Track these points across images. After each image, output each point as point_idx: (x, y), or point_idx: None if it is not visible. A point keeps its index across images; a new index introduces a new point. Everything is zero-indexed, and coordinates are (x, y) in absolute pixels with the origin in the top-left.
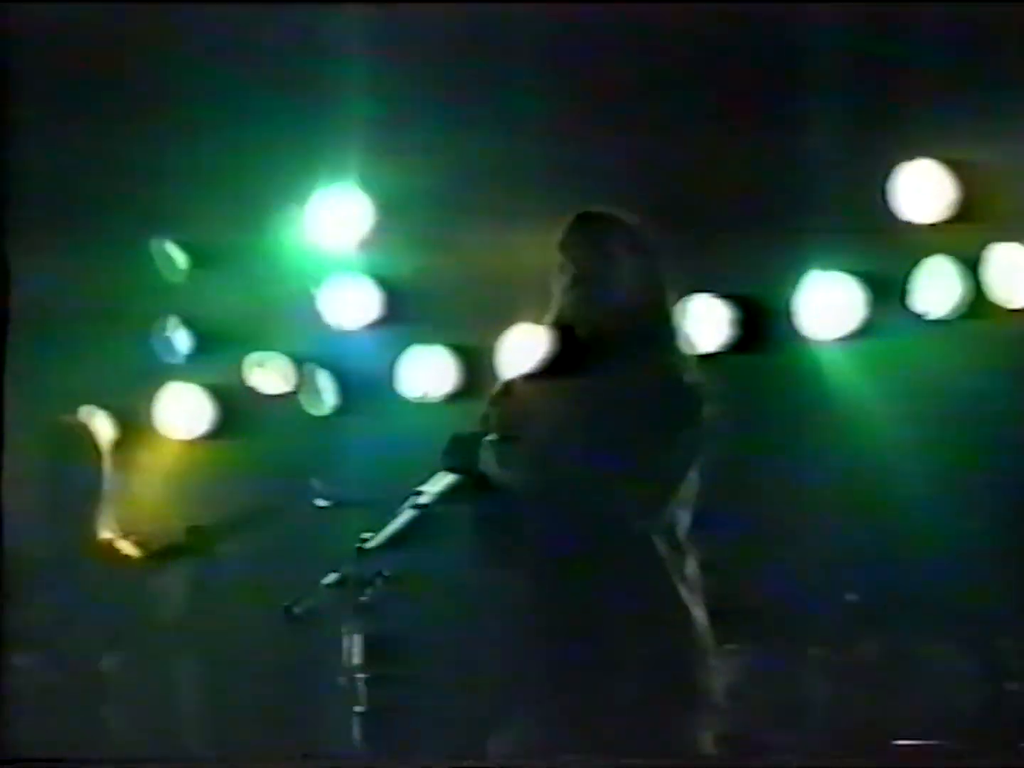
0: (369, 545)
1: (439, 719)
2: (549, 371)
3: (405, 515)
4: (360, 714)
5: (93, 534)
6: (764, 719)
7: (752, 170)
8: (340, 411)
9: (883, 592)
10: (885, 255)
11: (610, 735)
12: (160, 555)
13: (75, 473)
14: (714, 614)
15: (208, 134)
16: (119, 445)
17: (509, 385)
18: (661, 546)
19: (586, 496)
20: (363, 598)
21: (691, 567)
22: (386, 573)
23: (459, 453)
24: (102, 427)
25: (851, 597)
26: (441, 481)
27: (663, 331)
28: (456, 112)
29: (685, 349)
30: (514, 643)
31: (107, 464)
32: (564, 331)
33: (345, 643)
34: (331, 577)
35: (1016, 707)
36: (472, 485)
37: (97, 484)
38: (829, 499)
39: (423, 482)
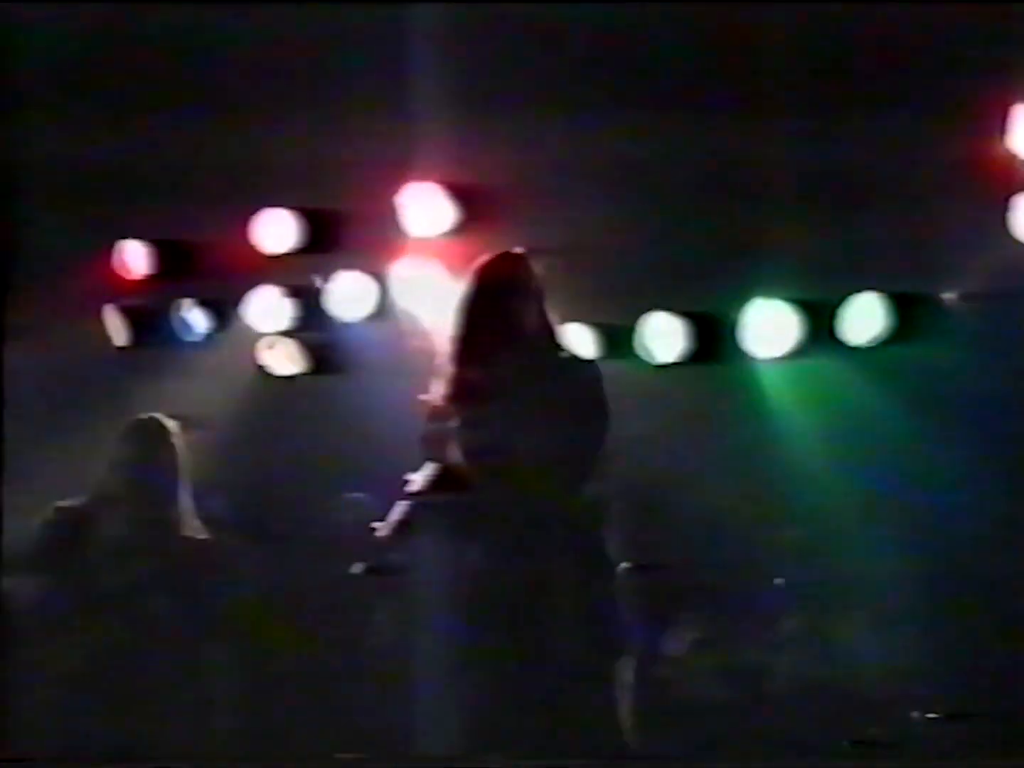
0: (381, 533)
1: None
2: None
3: (402, 504)
4: None
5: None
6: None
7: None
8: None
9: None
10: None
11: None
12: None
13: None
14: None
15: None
16: None
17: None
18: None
19: (524, 479)
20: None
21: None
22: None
23: (434, 443)
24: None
25: (778, 582)
26: (425, 470)
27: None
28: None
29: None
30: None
31: (182, 453)
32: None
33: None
34: (358, 567)
35: None
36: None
37: (175, 471)
38: (755, 495)
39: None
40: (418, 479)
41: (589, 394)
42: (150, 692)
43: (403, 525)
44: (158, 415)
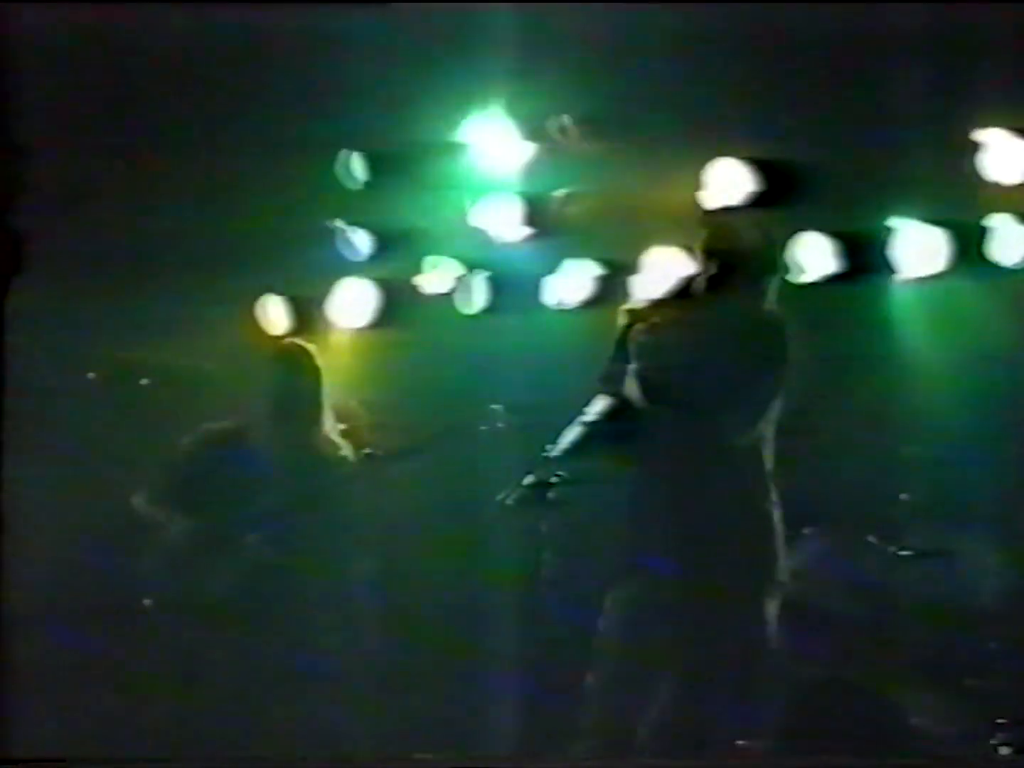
0: (552, 454)
1: None
2: (676, 295)
3: (575, 430)
4: None
5: (319, 435)
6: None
7: (853, 129)
8: (489, 311)
9: (930, 494)
10: (969, 209)
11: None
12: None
13: (300, 385)
14: (791, 504)
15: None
16: (297, 332)
17: (636, 312)
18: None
19: (696, 418)
20: (550, 495)
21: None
22: (565, 476)
23: (612, 381)
24: (281, 316)
25: (904, 497)
26: (600, 403)
27: (760, 278)
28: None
29: (774, 294)
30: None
31: (324, 377)
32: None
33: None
34: (529, 478)
35: None
36: (620, 408)
37: (318, 394)
38: (892, 416)
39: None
40: (592, 409)
41: (768, 344)
42: (298, 614)
43: (575, 448)
44: (299, 340)
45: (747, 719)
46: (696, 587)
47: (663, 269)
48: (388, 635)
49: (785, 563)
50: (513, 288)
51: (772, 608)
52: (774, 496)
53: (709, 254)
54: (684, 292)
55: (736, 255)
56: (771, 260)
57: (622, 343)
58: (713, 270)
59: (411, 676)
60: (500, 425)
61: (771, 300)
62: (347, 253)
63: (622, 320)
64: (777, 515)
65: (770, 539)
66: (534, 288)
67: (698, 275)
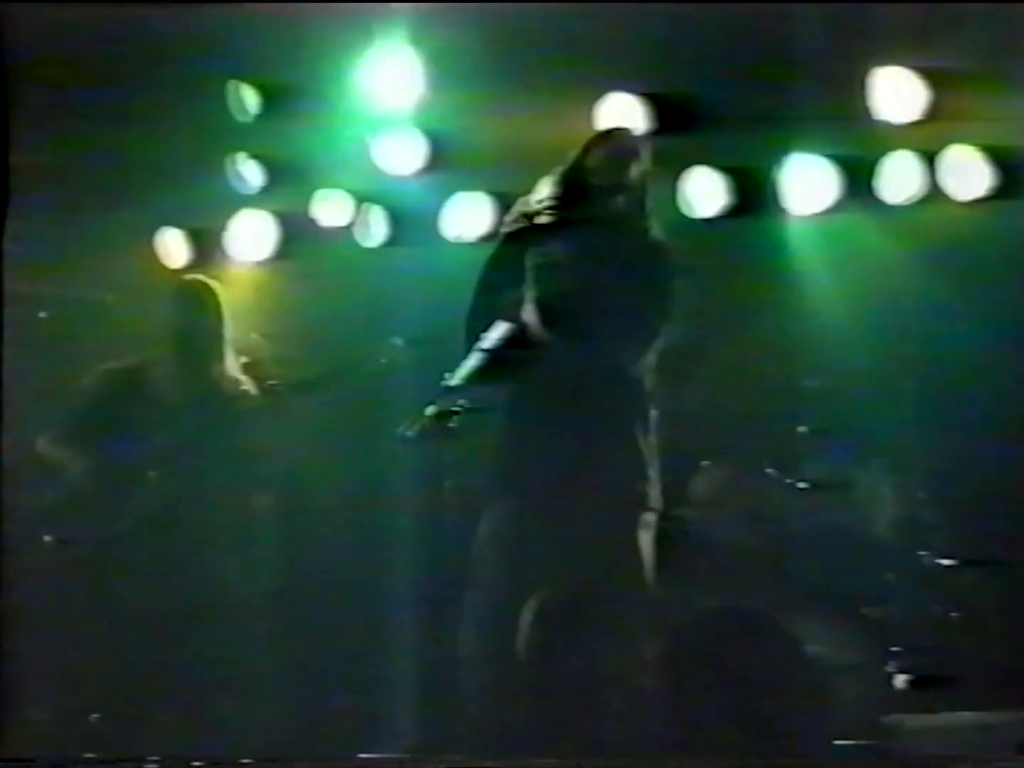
0: (451, 383)
1: None
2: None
3: (474, 358)
4: None
5: (221, 370)
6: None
7: (750, 59)
8: (389, 245)
9: (828, 425)
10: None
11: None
12: (273, 393)
13: (201, 319)
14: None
15: None
16: (196, 265)
17: (522, 235)
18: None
19: (590, 346)
20: (451, 425)
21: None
22: (466, 405)
23: (508, 307)
24: (180, 249)
25: (802, 429)
26: (498, 330)
27: (640, 209)
28: None
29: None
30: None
31: (226, 313)
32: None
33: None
34: (431, 408)
35: None
36: (517, 334)
37: (219, 328)
38: (780, 347)
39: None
40: (492, 335)
41: (656, 273)
42: (201, 550)
43: (473, 376)
44: (201, 275)
45: (625, 647)
46: (570, 512)
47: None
48: (291, 569)
49: (659, 492)
50: (411, 222)
51: (646, 536)
52: (655, 425)
53: (590, 173)
54: (567, 209)
55: (619, 177)
56: (653, 187)
57: (512, 266)
58: (596, 188)
59: (313, 612)
60: (400, 358)
61: (658, 229)
62: (240, 186)
63: (508, 241)
64: (654, 444)
65: (646, 468)
66: (432, 222)
67: (579, 193)
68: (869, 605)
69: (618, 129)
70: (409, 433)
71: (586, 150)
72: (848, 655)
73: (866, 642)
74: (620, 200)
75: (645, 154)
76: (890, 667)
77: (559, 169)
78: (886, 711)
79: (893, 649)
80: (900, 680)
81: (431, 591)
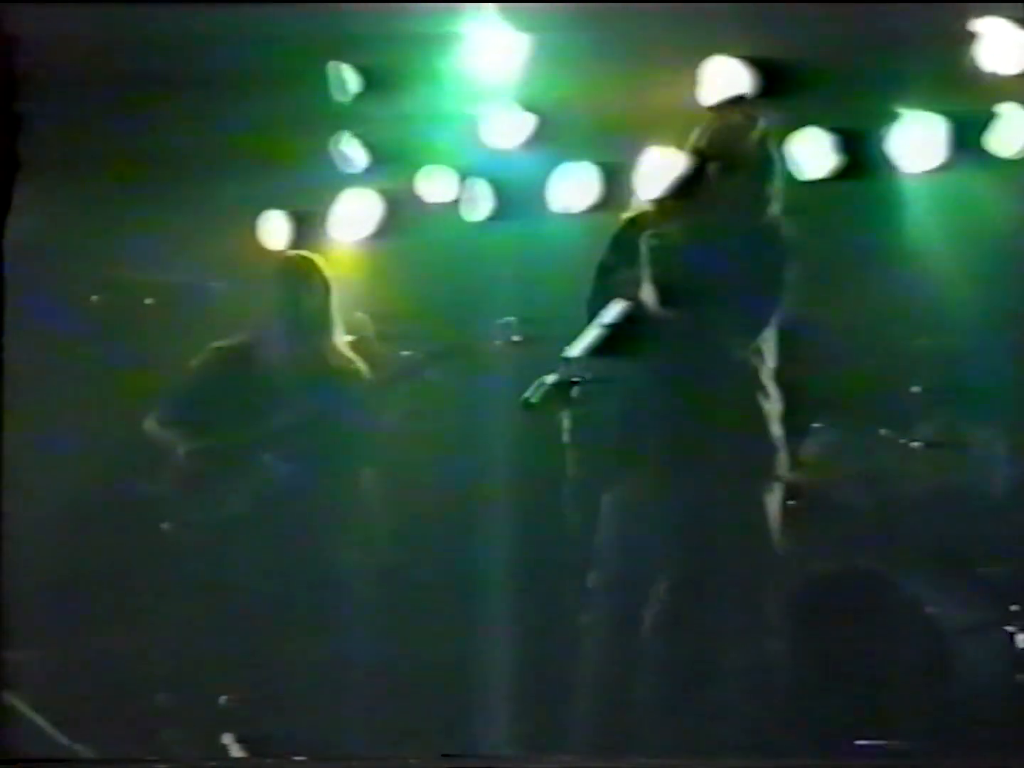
0: (572, 355)
1: None
2: (676, 195)
3: (593, 332)
4: None
5: (330, 348)
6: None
7: (849, 22)
8: (494, 219)
9: (942, 385)
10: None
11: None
12: (384, 374)
13: (309, 297)
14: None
15: None
16: (298, 247)
17: (642, 217)
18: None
19: (702, 328)
20: (572, 395)
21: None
22: (586, 376)
23: (626, 284)
24: (282, 230)
25: (915, 389)
26: (616, 307)
27: (763, 180)
28: None
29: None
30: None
31: (333, 288)
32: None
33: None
34: (551, 377)
35: None
36: (635, 313)
37: (327, 306)
38: (899, 310)
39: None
40: (610, 312)
41: (771, 250)
42: (314, 531)
43: (592, 350)
44: (306, 251)
45: (755, 616)
46: (694, 486)
47: (663, 170)
48: (401, 546)
49: (785, 458)
50: (516, 194)
51: (773, 504)
52: (773, 394)
53: (708, 154)
54: (686, 192)
55: (737, 155)
56: (771, 160)
57: (630, 247)
58: (713, 169)
59: (424, 593)
60: (513, 337)
61: (774, 204)
62: (344, 166)
63: (628, 225)
64: (776, 412)
65: (768, 436)
66: (538, 194)
67: (698, 174)
68: (985, 564)
69: (736, 100)
70: (533, 400)
71: (706, 129)
72: (967, 614)
73: (984, 602)
74: (739, 177)
75: (764, 124)
76: (1010, 626)
77: (683, 148)
78: (1010, 672)
79: (1012, 608)
80: (1021, 638)
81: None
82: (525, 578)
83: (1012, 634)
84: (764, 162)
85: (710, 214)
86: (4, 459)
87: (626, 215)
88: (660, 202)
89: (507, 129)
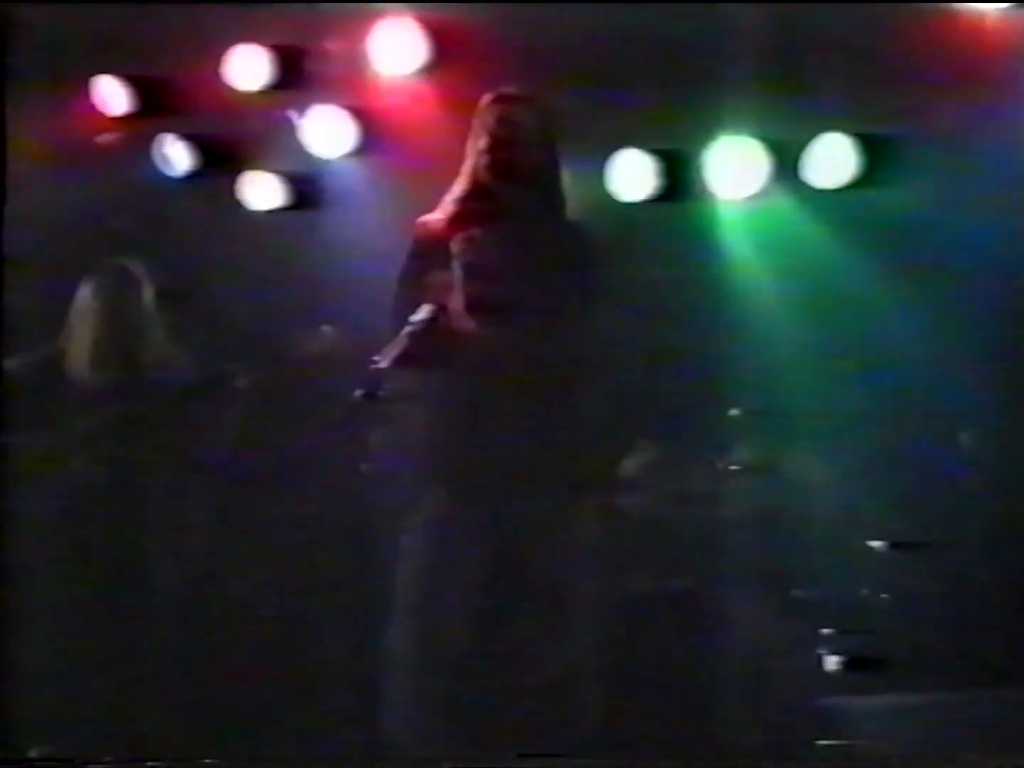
0: (380, 365)
1: None
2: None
3: (400, 340)
4: None
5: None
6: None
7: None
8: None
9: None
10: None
11: None
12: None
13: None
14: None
15: None
16: None
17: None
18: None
19: (514, 332)
20: (378, 408)
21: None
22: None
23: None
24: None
25: (734, 412)
26: (423, 312)
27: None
28: None
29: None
30: None
31: (151, 297)
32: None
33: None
34: (358, 392)
35: None
36: (442, 318)
37: (143, 316)
38: (718, 332)
39: None
40: (417, 318)
41: (585, 259)
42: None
43: (402, 358)
44: (126, 261)
45: (567, 633)
46: (503, 502)
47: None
48: (216, 557)
49: (595, 475)
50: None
51: (589, 521)
52: (587, 409)
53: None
54: (487, 196)
55: (531, 157)
56: (557, 162)
57: (437, 252)
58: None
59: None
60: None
61: (577, 210)
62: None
63: (433, 229)
64: (587, 428)
65: (583, 452)
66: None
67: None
68: (800, 586)
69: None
70: (340, 414)
71: (488, 124)
72: (780, 635)
73: (797, 624)
74: (540, 178)
75: (541, 116)
76: (821, 649)
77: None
78: (817, 694)
79: (823, 631)
80: (830, 661)
81: (359, 580)
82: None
83: (821, 657)
84: (553, 165)
85: (515, 218)
86: None
87: (427, 219)
88: (463, 205)
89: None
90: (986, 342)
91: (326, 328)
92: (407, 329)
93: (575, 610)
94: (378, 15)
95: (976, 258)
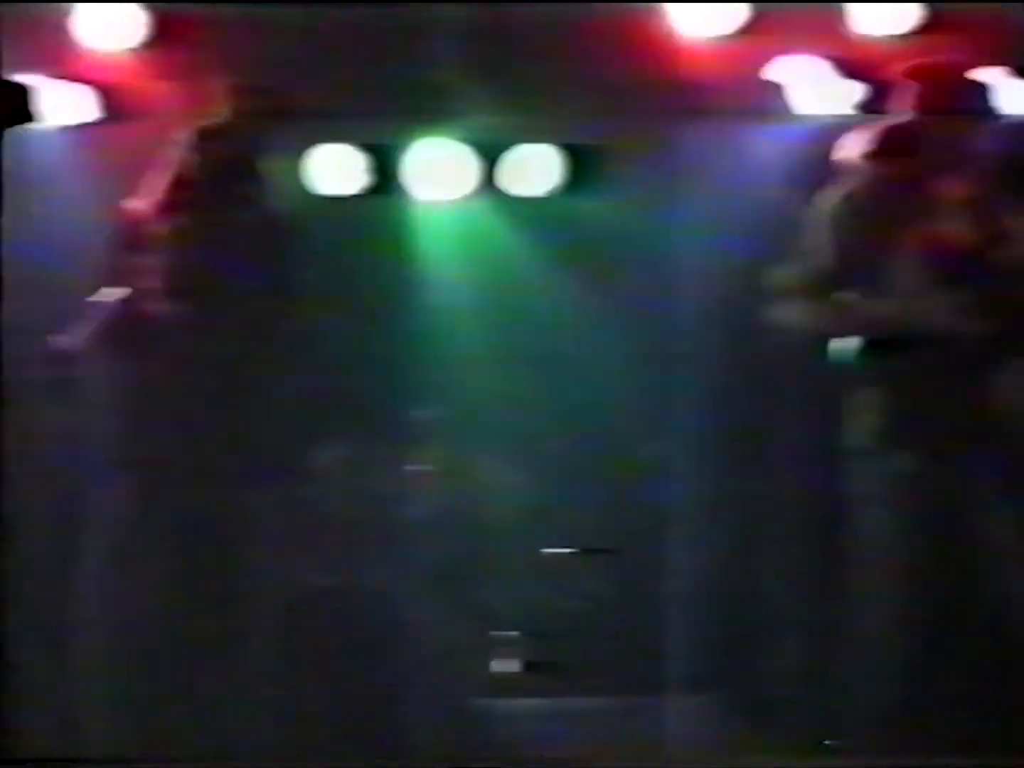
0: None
1: None
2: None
3: (83, 320)
4: None
5: None
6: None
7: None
8: None
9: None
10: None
11: None
12: None
13: None
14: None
15: None
16: None
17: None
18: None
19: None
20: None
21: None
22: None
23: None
24: None
25: (422, 413)
26: (112, 294)
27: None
28: None
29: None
30: None
31: None
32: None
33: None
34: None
35: None
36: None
37: None
38: (407, 334)
39: None
40: (103, 298)
41: (288, 247)
42: None
43: (85, 339)
44: None
45: (241, 627)
46: (181, 492)
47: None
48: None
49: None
50: None
51: (269, 515)
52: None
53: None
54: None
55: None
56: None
57: (139, 237)
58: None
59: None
60: None
61: (278, 203)
62: None
63: (136, 216)
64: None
65: (270, 447)
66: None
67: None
68: (476, 588)
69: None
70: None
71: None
72: (453, 636)
73: (478, 626)
74: (243, 169)
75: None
76: (491, 653)
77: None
78: (486, 695)
79: (492, 633)
80: (497, 666)
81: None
82: None
83: (488, 659)
84: (256, 156)
85: (219, 207)
86: None
87: (131, 203)
88: (167, 194)
89: None
90: (676, 353)
91: None
92: (98, 310)
93: (254, 604)
94: None
95: (671, 271)
